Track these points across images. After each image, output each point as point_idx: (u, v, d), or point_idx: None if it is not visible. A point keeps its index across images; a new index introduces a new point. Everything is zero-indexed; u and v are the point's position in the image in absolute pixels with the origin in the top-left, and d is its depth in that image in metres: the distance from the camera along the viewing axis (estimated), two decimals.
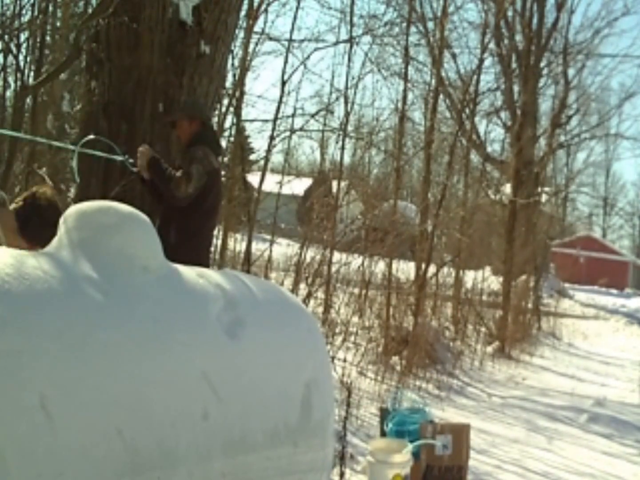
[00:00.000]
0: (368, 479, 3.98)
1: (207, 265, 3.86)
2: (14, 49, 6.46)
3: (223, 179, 4.25)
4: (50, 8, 8.21)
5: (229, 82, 7.90)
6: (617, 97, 35.24)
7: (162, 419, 2.20)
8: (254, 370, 2.56)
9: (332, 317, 8.14)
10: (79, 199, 4.02)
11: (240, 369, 2.51)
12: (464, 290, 12.12)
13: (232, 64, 7.87)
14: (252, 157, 14.26)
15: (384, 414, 4.47)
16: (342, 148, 9.63)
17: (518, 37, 16.57)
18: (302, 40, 9.11)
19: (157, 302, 2.36)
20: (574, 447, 6.10)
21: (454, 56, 15.14)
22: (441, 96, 12.67)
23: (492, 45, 14.82)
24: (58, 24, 9.16)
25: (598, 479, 5.29)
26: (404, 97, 10.54)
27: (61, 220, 2.48)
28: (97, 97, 4.41)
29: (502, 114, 16.67)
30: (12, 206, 3.11)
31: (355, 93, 9.72)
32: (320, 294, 8.41)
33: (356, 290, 9.40)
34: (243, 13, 7.26)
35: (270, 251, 8.08)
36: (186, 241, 3.74)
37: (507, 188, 15.06)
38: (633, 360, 12.30)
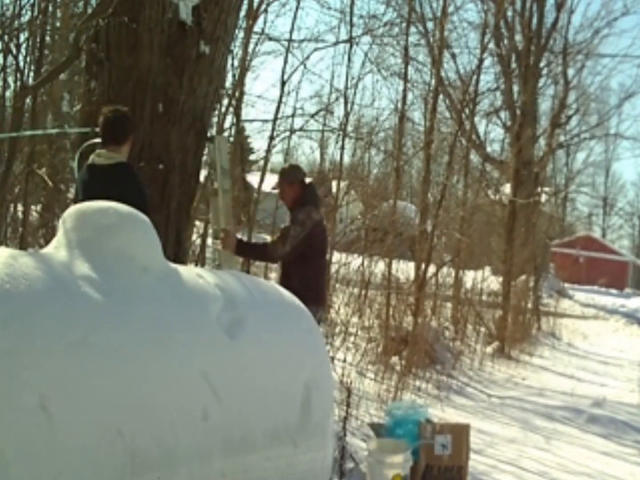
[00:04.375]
0: (368, 479, 3.99)
1: (324, 297, 4.76)
2: (14, 49, 6.46)
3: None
4: (50, 8, 8.21)
5: (228, 82, 7.90)
6: (617, 97, 35.27)
7: (162, 419, 2.20)
8: (254, 371, 2.56)
9: (331, 317, 8.14)
10: (79, 199, 4.03)
11: (240, 369, 2.51)
12: (464, 291, 12.11)
13: (232, 64, 7.88)
14: (252, 157, 14.28)
15: (376, 430, 4.47)
16: (342, 148, 9.63)
17: (518, 37, 16.57)
18: (302, 41, 9.12)
19: (157, 302, 2.36)
20: (572, 447, 6.10)
21: (453, 56, 15.13)
22: (441, 96, 12.66)
23: (491, 46, 14.80)
24: (58, 24, 9.16)
25: (595, 478, 5.29)
26: (404, 97, 10.54)
27: (61, 221, 2.48)
28: (97, 97, 4.41)
29: (502, 114, 16.68)
30: None
31: (355, 93, 9.72)
32: None
33: (356, 291, 9.40)
34: (243, 13, 7.27)
35: None
36: (306, 284, 4.33)
37: (507, 188, 15.05)
38: (632, 360, 12.29)
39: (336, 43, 9.44)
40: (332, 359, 6.09)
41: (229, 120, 8.50)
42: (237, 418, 2.45)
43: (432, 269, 10.12)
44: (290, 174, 4.74)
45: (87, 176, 3.76)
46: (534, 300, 15.33)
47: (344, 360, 6.80)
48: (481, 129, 16.52)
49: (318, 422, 2.82)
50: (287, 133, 8.93)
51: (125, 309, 2.24)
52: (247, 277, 3.06)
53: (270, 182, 9.39)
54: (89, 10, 5.53)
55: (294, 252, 4.47)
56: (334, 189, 9.91)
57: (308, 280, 4.37)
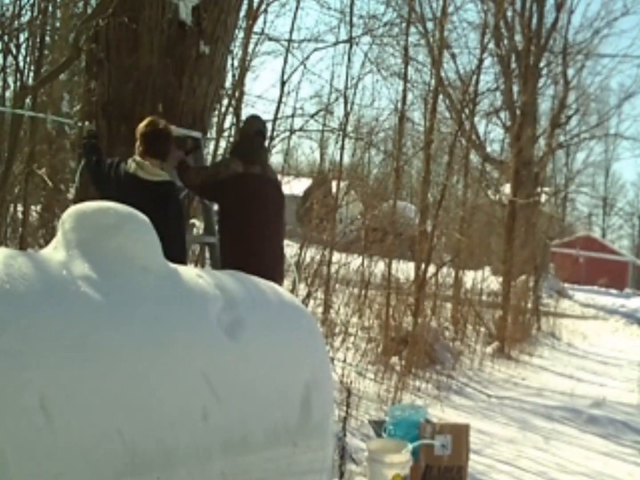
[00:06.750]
0: (368, 479, 3.99)
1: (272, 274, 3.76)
2: (14, 50, 6.47)
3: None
4: (50, 8, 8.21)
5: (228, 82, 7.91)
6: (617, 97, 35.38)
7: (162, 419, 2.20)
8: (254, 371, 2.56)
9: (331, 317, 8.14)
10: (78, 199, 4.03)
11: (240, 369, 2.51)
12: (464, 291, 12.12)
13: (232, 64, 7.89)
14: None
15: (377, 428, 4.48)
16: (342, 148, 9.64)
17: (517, 37, 16.60)
18: (301, 41, 9.14)
19: (157, 302, 2.36)
20: (571, 447, 6.11)
21: (453, 56, 15.16)
22: (441, 96, 12.68)
23: (491, 46, 14.84)
24: (58, 24, 9.16)
25: (593, 479, 5.29)
26: (404, 98, 10.56)
27: (60, 221, 2.48)
28: (97, 97, 4.41)
29: (502, 114, 16.70)
30: None
31: (354, 93, 9.73)
32: (320, 294, 8.42)
33: (356, 291, 9.40)
34: (243, 13, 7.28)
35: None
36: (230, 249, 4.03)
37: (507, 188, 15.05)
38: (631, 361, 12.29)
39: (336, 43, 9.46)
40: (332, 359, 6.10)
41: (229, 120, 8.51)
42: (237, 418, 2.45)
43: (432, 269, 10.13)
44: (246, 123, 4.42)
45: (129, 187, 3.60)
46: (533, 300, 15.33)
47: (344, 361, 6.81)
48: (481, 129, 16.57)
49: (318, 423, 2.82)
50: (287, 133, 8.93)
51: (125, 309, 2.24)
52: (247, 277, 3.06)
53: None
54: (89, 10, 5.54)
55: (200, 189, 4.07)
56: (334, 189, 9.92)
57: (239, 258, 3.79)
